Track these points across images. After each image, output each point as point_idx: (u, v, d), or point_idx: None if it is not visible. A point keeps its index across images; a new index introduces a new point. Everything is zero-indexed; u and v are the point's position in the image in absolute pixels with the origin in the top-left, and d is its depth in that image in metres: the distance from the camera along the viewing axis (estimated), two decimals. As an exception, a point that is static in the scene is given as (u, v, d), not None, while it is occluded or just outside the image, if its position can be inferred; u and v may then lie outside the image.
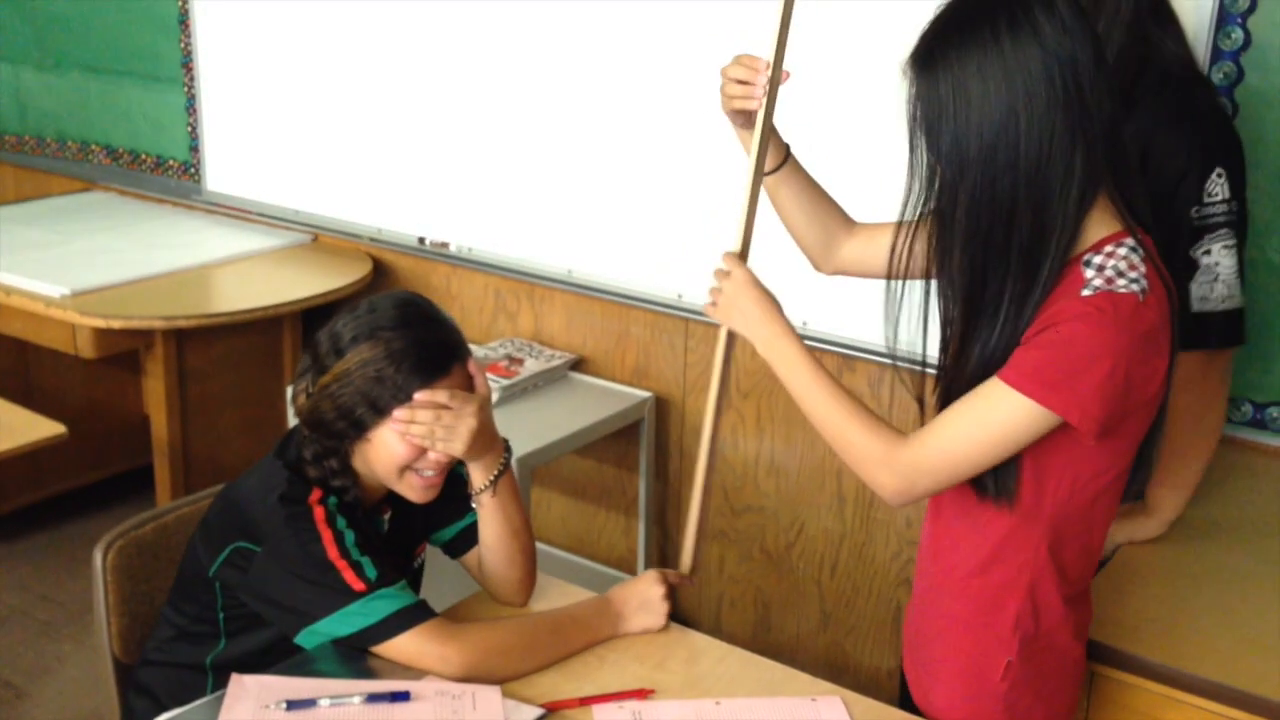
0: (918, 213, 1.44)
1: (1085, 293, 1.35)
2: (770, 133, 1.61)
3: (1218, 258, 1.73)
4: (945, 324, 1.48)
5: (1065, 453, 1.41)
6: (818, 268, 1.77)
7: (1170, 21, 1.78)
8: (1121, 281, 1.35)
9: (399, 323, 1.59)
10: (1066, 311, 1.35)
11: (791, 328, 1.55)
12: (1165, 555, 1.82)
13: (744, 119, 1.62)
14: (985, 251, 1.38)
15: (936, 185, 1.40)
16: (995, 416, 1.38)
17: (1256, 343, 2.18)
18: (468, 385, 1.63)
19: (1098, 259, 1.37)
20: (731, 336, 1.63)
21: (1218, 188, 1.72)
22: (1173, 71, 1.76)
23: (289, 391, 1.69)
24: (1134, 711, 1.61)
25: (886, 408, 2.57)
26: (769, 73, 1.56)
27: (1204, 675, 1.55)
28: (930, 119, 1.37)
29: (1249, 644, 1.61)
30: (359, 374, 1.57)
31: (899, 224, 1.47)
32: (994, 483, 1.44)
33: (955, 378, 1.45)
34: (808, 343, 1.56)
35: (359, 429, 1.59)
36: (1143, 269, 1.36)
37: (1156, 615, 1.70)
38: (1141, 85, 1.73)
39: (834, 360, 2.66)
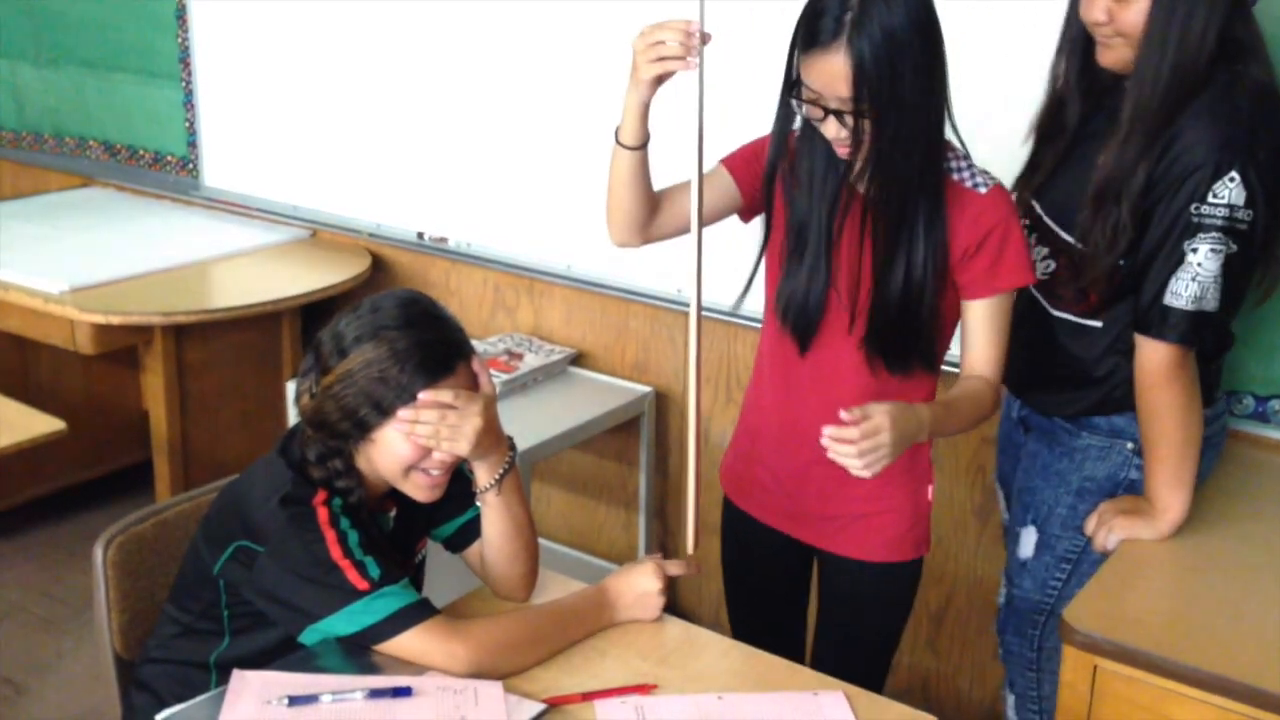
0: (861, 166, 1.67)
1: (982, 190, 1.73)
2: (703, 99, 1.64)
3: (1202, 258, 1.72)
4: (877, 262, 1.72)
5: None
6: (625, 242, 1.87)
7: (1252, 21, 1.78)
8: (986, 175, 1.74)
9: (402, 322, 1.59)
10: (988, 212, 1.72)
11: (921, 409, 1.67)
12: (1168, 549, 1.82)
13: (653, 87, 1.68)
14: (919, 183, 1.67)
15: (876, 140, 1.62)
16: (1010, 315, 1.78)
17: (1258, 336, 2.17)
18: (472, 384, 1.62)
19: (953, 164, 1.73)
20: (700, 329, 1.71)
21: (1227, 191, 1.70)
22: (1250, 73, 1.75)
23: (289, 388, 1.69)
24: (1138, 706, 1.61)
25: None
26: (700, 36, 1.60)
27: (1208, 669, 1.55)
28: (871, 85, 1.58)
29: (1253, 637, 1.61)
30: (362, 374, 1.56)
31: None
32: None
33: (887, 302, 1.72)
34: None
35: (363, 429, 1.59)
36: (977, 166, 1.75)
37: (1160, 609, 1.70)
38: (1209, 75, 1.73)
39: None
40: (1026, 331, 1.93)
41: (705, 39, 1.60)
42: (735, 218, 1.90)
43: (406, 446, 1.58)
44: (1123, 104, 1.79)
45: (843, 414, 1.58)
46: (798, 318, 1.80)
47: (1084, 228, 1.83)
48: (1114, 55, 1.80)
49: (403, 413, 1.56)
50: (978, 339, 1.78)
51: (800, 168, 1.77)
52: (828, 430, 1.57)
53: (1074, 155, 1.91)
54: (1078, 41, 1.88)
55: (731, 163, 1.87)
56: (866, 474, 1.58)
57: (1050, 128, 1.95)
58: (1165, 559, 1.80)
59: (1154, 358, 1.78)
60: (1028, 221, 1.95)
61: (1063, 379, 1.94)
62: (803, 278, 1.78)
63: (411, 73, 3.26)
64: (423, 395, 1.56)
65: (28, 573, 3.35)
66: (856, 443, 1.55)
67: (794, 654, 2.09)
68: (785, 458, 1.92)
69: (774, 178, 1.79)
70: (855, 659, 1.96)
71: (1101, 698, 1.64)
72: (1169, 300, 1.75)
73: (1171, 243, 1.74)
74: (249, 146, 3.72)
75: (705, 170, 1.83)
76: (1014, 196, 1.95)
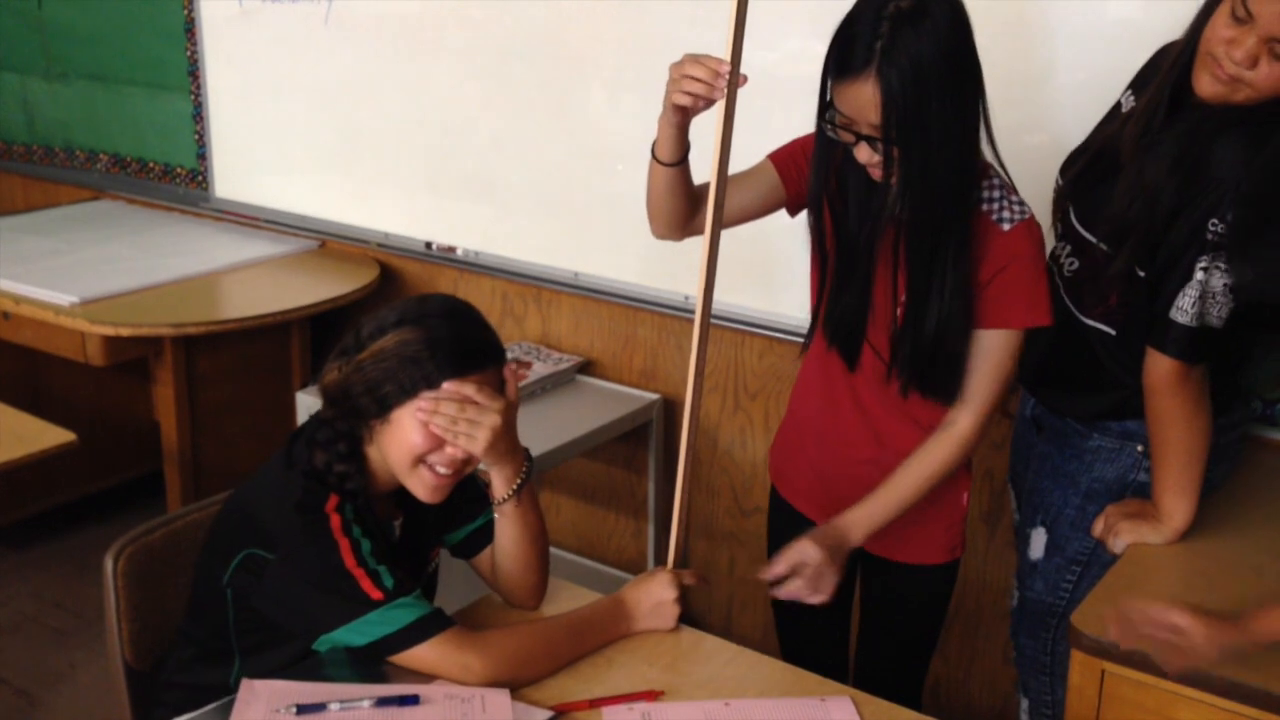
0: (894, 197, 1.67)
1: (1005, 227, 1.71)
2: (730, 135, 1.63)
3: (1211, 277, 1.71)
4: (908, 289, 1.72)
5: None
6: (665, 237, 1.88)
7: None
8: (1018, 208, 1.73)
9: (446, 315, 1.61)
10: (1006, 249, 1.71)
11: (850, 526, 1.81)
12: (1175, 552, 1.82)
13: (682, 115, 1.67)
14: (950, 212, 1.66)
15: (904, 168, 1.62)
16: (1011, 353, 1.77)
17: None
18: (499, 389, 1.63)
19: (985, 193, 1.72)
20: (705, 338, 1.73)
21: None
22: None
23: (299, 398, 1.68)
24: (1146, 710, 1.61)
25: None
26: (728, 75, 1.58)
27: (1216, 672, 1.54)
28: (899, 114, 1.58)
29: (1260, 640, 1.61)
30: (395, 353, 1.57)
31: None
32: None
33: (917, 331, 1.72)
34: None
35: (382, 408, 1.58)
36: (1015, 194, 1.74)
37: (1168, 612, 1.70)
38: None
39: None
40: (1050, 331, 1.93)
41: (741, 81, 1.59)
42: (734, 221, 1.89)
43: (420, 434, 1.57)
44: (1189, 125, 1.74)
45: (767, 575, 1.77)
46: (845, 339, 1.83)
47: (1105, 229, 1.81)
48: (1220, 90, 1.70)
49: (423, 400, 1.56)
50: (973, 369, 1.77)
51: (847, 188, 1.76)
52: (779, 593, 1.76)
53: (1120, 168, 1.84)
54: (1184, 64, 1.76)
55: (778, 158, 1.88)
56: (819, 600, 1.76)
57: (1114, 141, 1.86)
58: (1172, 562, 1.80)
59: (1158, 368, 1.77)
60: (1059, 225, 1.94)
61: (1078, 380, 1.94)
62: (848, 299, 1.80)
63: (419, 83, 3.27)
64: (447, 385, 1.57)
65: (39, 584, 3.36)
66: (807, 591, 1.75)
67: (837, 654, 2.13)
68: (826, 460, 1.96)
69: (820, 201, 1.78)
70: (897, 659, 2.02)
71: (1109, 702, 1.64)
72: (1173, 314, 1.73)
73: (1186, 257, 1.72)
74: (258, 158, 3.73)
75: (751, 165, 1.87)
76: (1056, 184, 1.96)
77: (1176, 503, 1.81)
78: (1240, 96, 1.69)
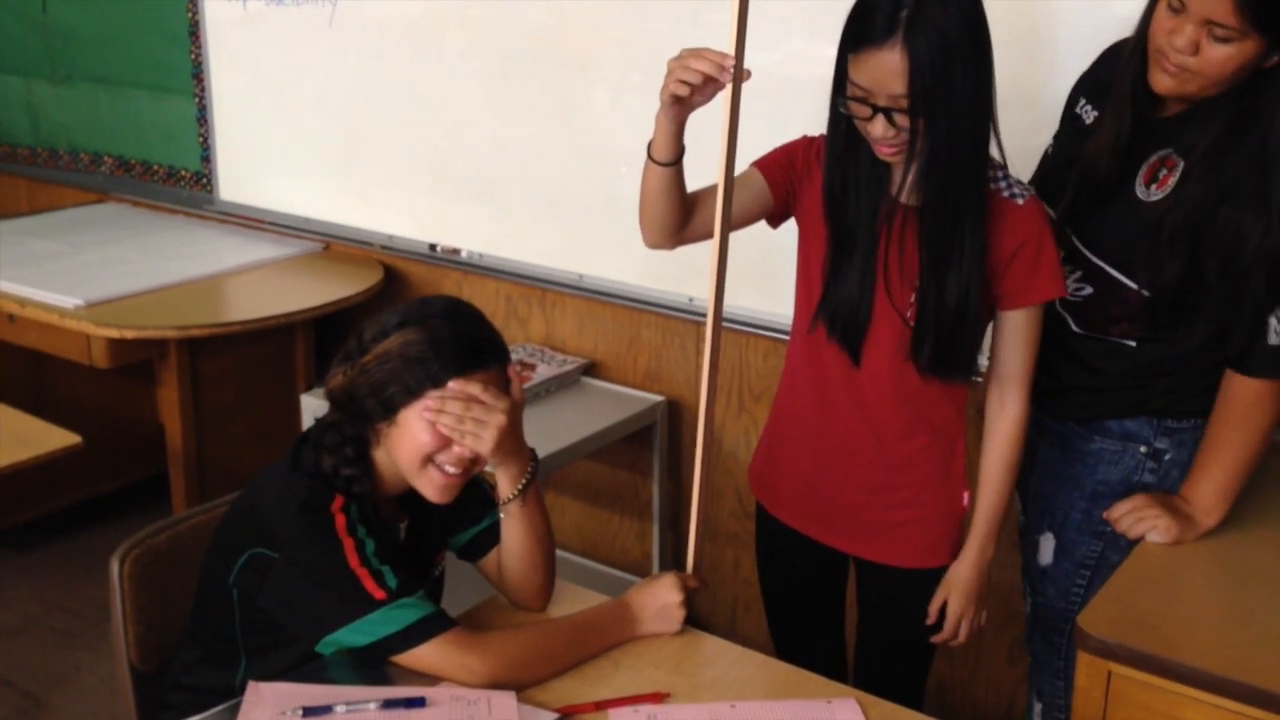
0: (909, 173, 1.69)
1: (1019, 201, 1.75)
2: (736, 130, 1.62)
3: None
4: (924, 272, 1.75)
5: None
6: (657, 245, 1.85)
7: None
8: (1019, 185, 1.77)
9: (449, 315, 1.61)
10: (1023, 224, 1.75)
11: (980, 549, 1.92)
12: (1182, 554, 1.81)
13: (677, 107, 1.65)
14: (968, 186, 1.69)
15: (928, 139, 1.63)
16: (1040, 323, 1.82)
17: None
18: (503, 388, 1.63)
19: (989, 173, 1.73)
20: (718, 336, 1.71)
21: None
22: None
23: (304, 400, 1.69)
24: (1152, 711, 1.61)
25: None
26: (733, 70, 1.58)
27: (1223, 674, 1.54)
28: (926, 82, 1.59)
29: (1267, 641, 1.60)
30: (399, 354, 1.57)
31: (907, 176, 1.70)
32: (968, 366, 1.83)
33: (939, 305, 1.73)
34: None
35: (387, 409, 1.59)
36: (1011, 174, 1.79)
37: (1174, 614, 1.69)
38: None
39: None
40: (1047, 344, 1.92)
41: (745, 75, 1.59)
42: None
43: (427, 434, 1.58)
44: (1185, 138, 1.75)
45: (930, 624, 1.92)
46: (847, 327, 1.81)
47: (1151, 268, 1.79)
48: (1171, 83, 1.72)
49: (430, 399, 1.57)
50: (1011, 348, 1.82)
51: (847, 175, 1.76)
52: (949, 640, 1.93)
53: (1114, 186, 1.83)
54: (1138, 66, 1.77)
55: (764, 166, 1.87)
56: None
57: (1095, 154, 1.84)
58: (1178, 564, 1.80)
59: (1249, 390, 1.78)
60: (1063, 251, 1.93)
61: (1079, 388, 1.94)
62: (852, 287, 1.79)
63: (423, 85, 3.27)
64: (452, 384, 1.57)
65: (45, 586, 3.37)
66: (962, 638, 1.92)
67: (835, 660, 2.13)
68: (820, 465, 1.94)
69: (834, 187, 1.78)
70: (897, 665, 2.02)
71: (1116, 703, 1.64)
72: (1273, 340, 1.73)
73: (1268, 282, 1.71)
74: (262, 161, 3.74)
75: (736, 173, 1.82)
76: None
77: (1219, 505, 1.83)
78: (1193, 87, 1.71)
